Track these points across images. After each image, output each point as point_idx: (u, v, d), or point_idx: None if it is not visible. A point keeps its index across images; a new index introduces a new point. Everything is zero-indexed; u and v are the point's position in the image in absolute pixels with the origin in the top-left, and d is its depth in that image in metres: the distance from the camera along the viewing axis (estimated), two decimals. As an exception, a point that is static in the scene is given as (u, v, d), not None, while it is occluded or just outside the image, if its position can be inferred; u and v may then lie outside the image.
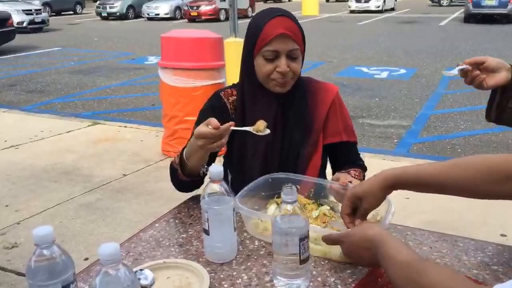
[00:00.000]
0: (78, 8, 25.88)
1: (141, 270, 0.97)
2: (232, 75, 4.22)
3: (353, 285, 0.97)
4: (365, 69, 8.84)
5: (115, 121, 5.74)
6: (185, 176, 1.37)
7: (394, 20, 19.38)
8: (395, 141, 4.93)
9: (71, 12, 25.21)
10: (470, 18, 17.61)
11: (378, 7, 23.21)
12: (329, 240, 1.01)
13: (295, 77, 1.41)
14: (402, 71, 8.57)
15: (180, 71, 4.10)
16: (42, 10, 17.31)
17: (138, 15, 22.97)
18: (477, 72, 1.26)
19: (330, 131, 1.51)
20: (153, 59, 10.32)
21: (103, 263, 0.72)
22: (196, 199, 1.41)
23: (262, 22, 1.36)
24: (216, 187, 1.05)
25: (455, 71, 1.29)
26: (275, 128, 1.41)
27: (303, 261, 0.94)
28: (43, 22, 17.00)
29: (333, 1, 32.68)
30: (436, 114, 5.86)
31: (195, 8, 20.75)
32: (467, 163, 0.98)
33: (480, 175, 0.95)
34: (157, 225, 1.27)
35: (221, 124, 1.36)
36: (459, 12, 20.75)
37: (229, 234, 1.08)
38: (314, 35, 14.75)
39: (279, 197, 1.20)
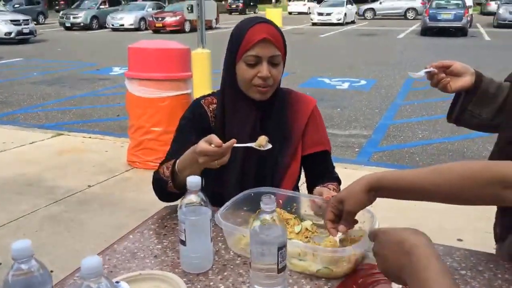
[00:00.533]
0: (41, 18, 25.21)
1: (117, 282, 0.97)
2: (199, 85, 4.24)
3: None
4: (327, 80, 9.02)
5: (79, 132, 5.62)
6: (175, 188, 1.36)
7: (354, 33, 19.90)
8: (356, 150, 5.06)
9: (34, 23, 24.51)
10: (426, 31, 18.29)
11: (339, 20, 23.78)
12: (372, 234, 0.91)
13: (275, 84, 1.42)
14: (363, 82, 8.80)
15: (147, 81, 4.07)
16: (29, 21, 16.76)
17: (102, 26, 22.60)
18: (443, 75, 1.29)
19: (309, 142, 1.53)
20: (117, 70, 10.16)
21: (84, 277, 0.72)
22: (170, 209, 1.42)
23: (245, 29, 1.38)
24: (193, 197, 1.06)
25: (421, 73, 1.32)
26: (254, 136, 1.39)
27: (280, 270, 0.95)
28: (31, 33, 16.53)
29: (296, 14, 33.24)
30: (395, 124, 6.05)
31: (160, 19, 20.64)
32: (449, 169, 0.97)
33: (463, 180, 0.94)
34: (131, 236, 1.26)
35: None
36: (416, 25, 21.54)
37: (205, 244, 1.09)
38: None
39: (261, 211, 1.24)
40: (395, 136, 5.53)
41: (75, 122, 6.23)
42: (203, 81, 4.23)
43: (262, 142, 1.29)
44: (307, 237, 1.18)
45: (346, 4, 25.16)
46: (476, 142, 5.06)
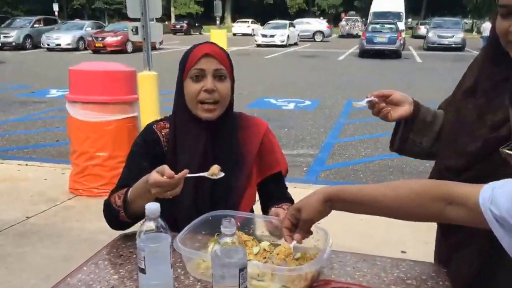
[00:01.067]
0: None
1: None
2: (146, 108, 4.21)
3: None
4: (273, 101, 9.23)
5: (14, 159, 5.33)
6: (127, 218, 1.36)
7: (297, 54, 20.55)
8: (304, 169, 5.20)
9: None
10: (364, 53, 19.32)
11: (283, 41, 24.54)
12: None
13: (223, 101, 1.45)
14: (307, 102, 9.10)
15: (90, 105, 3.99)
16: None
17: (36, 46, 21.77)
18: (383, 104, 1.34)
19: (266, 165, 1.56)
20: (55, 92, 9.82)
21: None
22: (124, 237, 1.41)
23: (190, 49, 1.47)
24: (152, 224, 1.07)
25: (363, 103, 1.35)
26: (206, 160, 1.42)
27: None
28: None
29: (240, 35, 33.83)
30: (339, 143, 6.29)
31: (100, 39, 20.24)
32: (402, 185, 1.05)
33: (413, 196, 1.01)
34: (85, 268, 1.24)
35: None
36: (354, 48, 22.63)
37: (166, 271, 1.09)
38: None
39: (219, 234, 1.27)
40: (340, 155, 5.76)
41: (9, 149, 5.93)
42: (151, 104, 4.21)
43: (215, 171, 1.32)
44: (265, 258, 1.21)
45: (289, 27, 26.06)
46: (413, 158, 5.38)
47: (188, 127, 1.47)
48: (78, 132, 4.07)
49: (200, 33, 34.70)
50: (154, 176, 1.20)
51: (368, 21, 26.53)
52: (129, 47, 20.19)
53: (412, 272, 1.21)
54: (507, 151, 0.99)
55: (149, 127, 1.55)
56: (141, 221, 1.10)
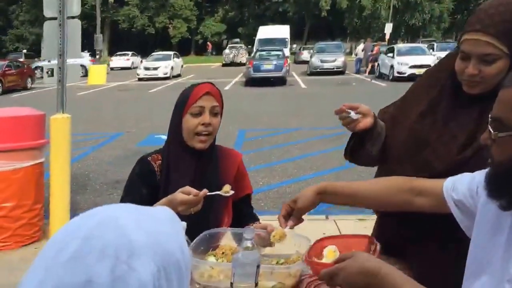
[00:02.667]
0: None
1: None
2: (58, 152, 4.09)
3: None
4: (164, 137, 9.27)
5: None
6: None
7: (182, 86, 20.51)
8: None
9: None
10: (250, 81, 20.02)
11: (166, 73, 24.61)
12: (326, 276, 1.12)
13: (213, 134, 1.78)
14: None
15: (-2, 153, 3.88)
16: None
17: None
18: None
19: (239, 188, 1.85)
20: None
21: None
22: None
23: (191, 88, 1.79)
24: None
25: (353, 115, 1.55)
26: (194, 184, 1.65)
27: (256, 284, 1.31)
28: None
29: (118, 69, 33.22)
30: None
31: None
32: (383, 180, 1.37)
33: (387, 190, 1.32)
34: None
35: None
36: (239, 76, 23.57)
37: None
38: (106, 105, 14.94)
39: (214, 249, 1.62)
40: (239, 185, 6.15)
41: None
42: (62, 147, 4.09)
43: (227, 189, 1.68)
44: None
45: (173, 58, 26.31)
46: (308, 183, 6.01)
47: (181, 157, 1.79)
48: (-19, 183, 3.92)
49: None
50: (181, 196, 1.54)
51: (255, 48, 27.31)
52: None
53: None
54: None
55: (144, 159, 1.85)
56: None
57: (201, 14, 51.21)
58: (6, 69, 19.83)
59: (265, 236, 1.59)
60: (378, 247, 1.29)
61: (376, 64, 22.16)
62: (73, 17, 4.26)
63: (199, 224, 1.65)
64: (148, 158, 1.84)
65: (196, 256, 1.50)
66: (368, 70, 23.27)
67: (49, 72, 4.36)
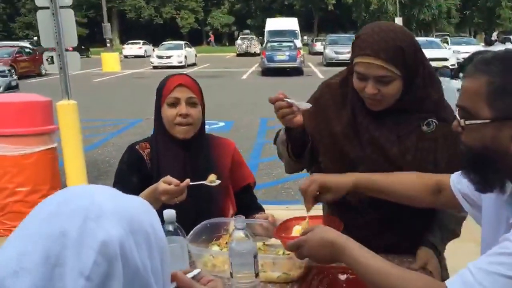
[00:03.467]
0: None
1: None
2: (68, 137, 4.18)
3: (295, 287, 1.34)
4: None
5: None
6: None
7: (198, 75, 20.68)
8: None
9: None
10: (266, 71, 20.19)
11: (180, 62, 24.70)
12: (292, 247, 1.23)
13: (195, 123, 1.74)
14: (221, 124, 9.42)
15: (5, 138, 3.91)
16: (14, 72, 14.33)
17: None
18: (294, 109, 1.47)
19: (236, 179, 1.86)
20: None
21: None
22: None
23: (164, 80, 1.78)
24: (170, 227, 1.30)
25: (296, 104, 1.45)
26: (185, 176, 1.60)
27: (257, 275, 1.28)
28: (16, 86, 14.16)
29: (132, 57, 33.38)
30: (263, 162, 6.66)
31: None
32: (406, 180, 1.39)
33: (415, 189, 1.36)
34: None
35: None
36: (255, 66, 23.59)
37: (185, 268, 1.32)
38: (123, 92, 14.95)
39: (217, 239, 1.58)
40: (267, 174, 6.13)
41: None
42: (73, 133, 4.19)
43: (212, 178, 1.63)
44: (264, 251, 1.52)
45: (185, 47, 26.33)
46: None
47: (168, 147, 1.76)
48: (-6, 168, 3.93)
49: (88, 56, 33.54)
50: (162, 185, 1.50)
51: (265, 39, 27.74)
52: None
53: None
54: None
55: (132, 148, 1.82)
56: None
57: (207, 6, 51.63)
58: (17, 55, 19.97)
59: (268, 227, 1.57)
60: (341, 225, 1.33)
61: None
62: (65, 7, 4.40)
63: (202, 215, 1.65)
64: (136, 147, 1.81)
65: (198, 246, 1.49)
66: None
67: (49, 59, 4.41)
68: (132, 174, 1.75)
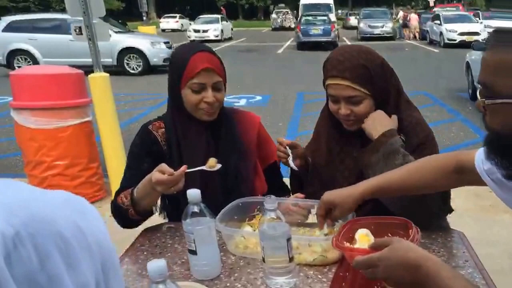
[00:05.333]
0: None
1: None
2: (100, 110, 4.12)
3: (333, 270, 1.21)
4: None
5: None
6: (137, 215, 1.46)
7: (235, 49, 20.73)
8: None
9: None
10: (302, 45, 19.86)
11: (217, 36, 24.59)
12: (363, 265, 1.00)
13: (220, 105, 1.58)
14: (258, 98, 9.27)
15: (40, 111, 3.84)
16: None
17: None
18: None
19: (264, 156, 1.71)
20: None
21: (152, 279, 0.85)
22: (148, 232, 1.52)
23: (187, 56, 1.51)
24: (196, 209, 1.20)
25: (290, 162, 1.57)
26: (209, 154, 1.52)
27: (291, 259, 1.16)
28: None
29: (169, 31, 33.45)
30: (301, 135, 6.52)
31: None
32: (421, 168, 1.25)
33: (434, 175, 1.23)
34: (127, 259, 1.34)
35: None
36: (290, 41, 23.20)
37: (214, 251, 1.24)
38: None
39: (250, 219, 1.45)
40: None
41: None
42: (107, 106, 4.13)
43: (212, 163, 1.46)
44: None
45: (221, 21, 26.14)
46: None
47: (187, 128, 1.58)
48: (30, 141, 3.95)
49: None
50: (156, 175, 1.34)
51: (300, 13, 27.22)
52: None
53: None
54: None
55: (145, 127, 1.64)
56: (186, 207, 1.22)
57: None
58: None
59: (297, 210, 1.47)
60: (418, 233, 1.13)
61: (408, 30, 23.25)
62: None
63: (231, 195, 1.52)
64: (149, 127, 1.64)
65: (229, 226, 1.37)
66: (408, 36, 23.44)
67: (77, 30, 4.23)
68: (143, 159, 1.57)
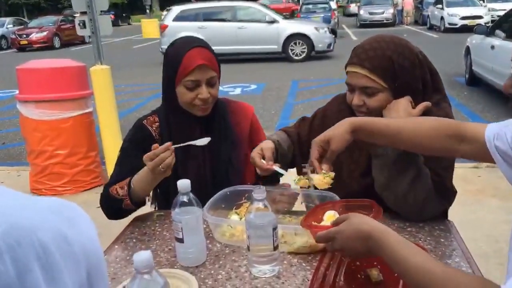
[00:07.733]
0: None
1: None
2: (101, 103, 4.15)
3: (317, 258, 1.19)
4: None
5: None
6: (132, 205, 1.44)
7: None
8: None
9: None
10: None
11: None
12: (322, 238, 1.03)
13: (214, 100, 1.55)
14: (253, 86, 9.24)
15: (43, 103, 3.89)
16: None
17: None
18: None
19: (255, 144, 1.62)
20: (-14, 94, 9.28)
21: (138, 270, 0.83)
22: (138, 220, 1.50)
23: (181, 53, 1.47)
24: (185, 198, 1.19)
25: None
26: (203, 149, 1.50)
27: (276, 248, 1.14)
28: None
29: (172, 23, 33.19)
30: (293, 122, 6.51)
31: (25, 36, 19.14)
32: (422, 120, 1.18)
33: (430, 131, 1.13)
34: (116, 246, 1.33)
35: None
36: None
37: (201, 240, 1.23)
38: (161, 57, 14.87)
39: (237, 208, 1.42)
40: (295, 134, 5.98)
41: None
42: (107, 98, 4.14)
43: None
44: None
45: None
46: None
47: (181, 123, 1.56)
48: (33, 132, 3.98)
49: (129, 24, 33.62)
50: (145, 155, 1.34)
51: (301, 1, 26.89)
52: (57, 43, 19.38)
53: (410, 222, 1.39)
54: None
55: (139, 123, 1.61)
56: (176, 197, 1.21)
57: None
58: (61, 23, 20.01)
59: (281, 199, 1.44)
60: (381, 212, 1.14)
61: (405, 14, 22.95)
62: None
63: (220, 184, 1.49)
64: (144, 121, 1.61)
65: (216, 214, 1.35)
66: (406, 21, 23.09)
67: (81, 24, 4.23)
68: (135, 157, 1.47)
